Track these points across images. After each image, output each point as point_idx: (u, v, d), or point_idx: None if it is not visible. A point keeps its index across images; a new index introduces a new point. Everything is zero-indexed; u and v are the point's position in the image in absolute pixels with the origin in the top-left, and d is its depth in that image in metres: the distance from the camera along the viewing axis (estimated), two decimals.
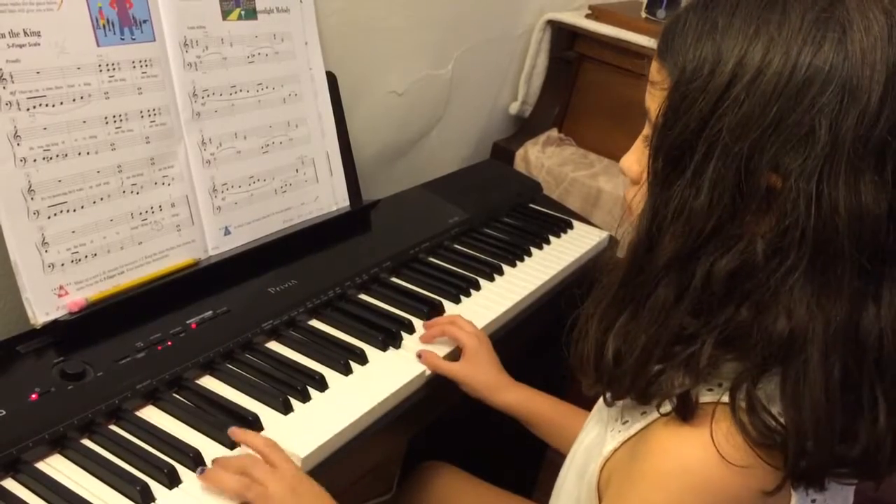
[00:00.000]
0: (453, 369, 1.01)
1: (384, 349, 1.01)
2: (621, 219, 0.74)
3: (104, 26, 0.94)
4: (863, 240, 0.59)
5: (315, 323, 1.05)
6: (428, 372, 0.99)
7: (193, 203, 1.05)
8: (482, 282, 1.21)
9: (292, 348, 0.99)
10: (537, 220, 1.45)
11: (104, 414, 0.82)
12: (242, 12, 1.11)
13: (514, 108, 1.87)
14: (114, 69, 0.95)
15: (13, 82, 0.85)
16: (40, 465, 0.76)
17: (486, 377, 1.01)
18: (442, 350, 1.03)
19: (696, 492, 0.62)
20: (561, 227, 1.43)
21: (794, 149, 0.58)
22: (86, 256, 0.92)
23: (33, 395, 0.80)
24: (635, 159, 0.73)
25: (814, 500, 0.66)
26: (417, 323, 1.07)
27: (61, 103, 0.89)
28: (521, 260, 1.30)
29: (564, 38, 1.79)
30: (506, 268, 1.26)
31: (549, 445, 1.03)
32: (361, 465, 0.92)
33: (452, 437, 1.36)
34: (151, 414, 0.85)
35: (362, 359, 0.98)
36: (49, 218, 0.88)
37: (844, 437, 0.62)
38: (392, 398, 0.94)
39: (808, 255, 0.59)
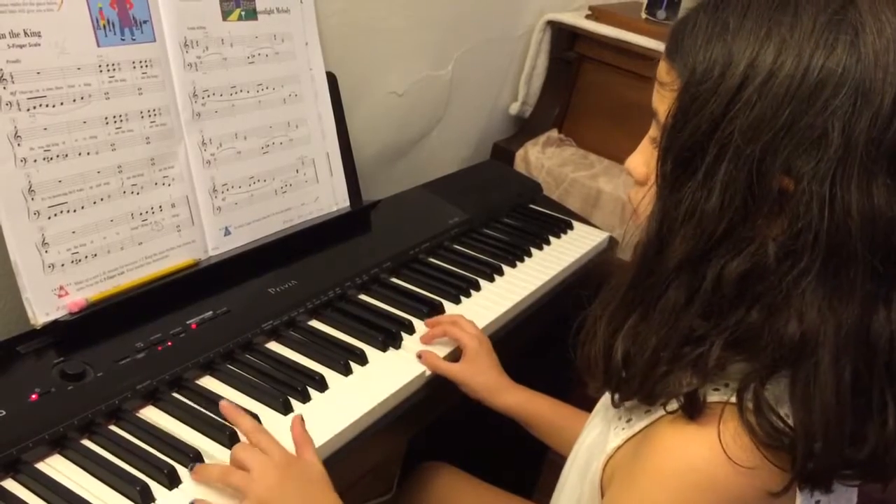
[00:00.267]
0: (453, 370, 1.01)
1: (384, 350, 1.01)
2: (627, 222, 0.74)
3: (104, 27, 0.94)
4: (875, 242, 0.59)
5: (315, 323, 1.05)
6: (428, 372, 0.99)
7: (193, 203, 1.05)
8: (482, 282, 1.21)
9: (292, 349, 0.99)
10: (537, 220, 1.45)
11: (104, 414, 0.82)
12: (243, 13, 1.11)
13: (514, 108, 1.87)
14: (114, 69, 0.95)
15: (13, 82, 0.85)
16: (40, 466, 0.76)
17: (485, 379, 1.01)
18: (442, 351, 1.03)
19: (702, 491, 0.62)
20: (561, 227, 1.43)
21: (807, 151, 0.58)
22: (86, 257, 0.92)
23: (33, 396, 0.80)
24: (642, 160, 0.73)
25: (818, 501, 0.66)
26: (417, 323, 1.07)
27: (61, 104, 0.89)
28: (521, 260, 1.30)
29: (564, 39, 1.79)
30: (506, 268, 1.26)
31: (548, 447, 1.03)
32: (361, 466, 0.92)
33: (452, 438, 1.36)
34: (151, 414, 0.85)
35: (362, 359, 0.98)
36: (49, 218, 0.88)
37: (853, 440, 0.61)
38: (392, 399, 0.94)
39: (821, 258, 0.59)
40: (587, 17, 1.76)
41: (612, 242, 1.46)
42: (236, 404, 0.84)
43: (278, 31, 1.16)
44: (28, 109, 0.86)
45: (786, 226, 0.60)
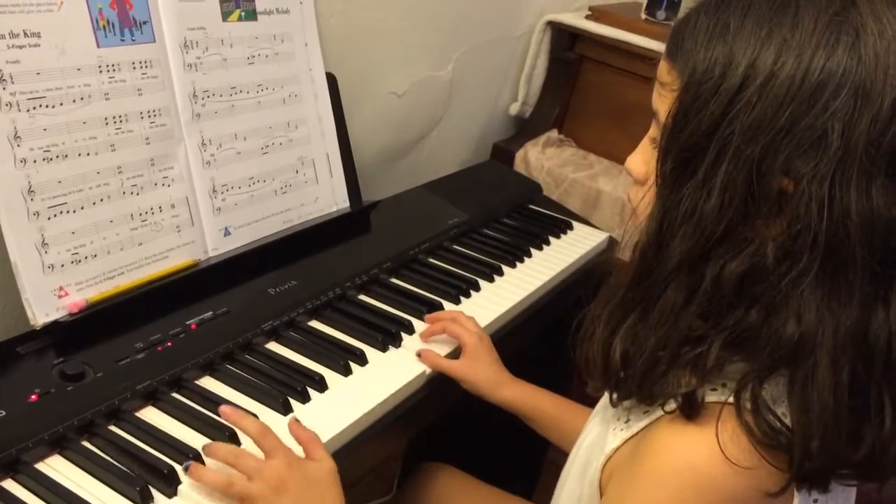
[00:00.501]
0: (454, 367, 1.01)
1: (384, 350, 1.01)
2: (627, 222, 0.74)
3: (104, 27, 0.94)
4: (874, 244, 0.59)
5: (315, 324, 1.05)
6: (427, 372, 0.99)
7: (193, 204, 1.05)
8: (482, 283, 1.21)
9: (292, 349, 0.99)
10: (537, 221, 1.45)
11: (104, 415, 0.82)
12: (242, 13, 1.11)
13: (514, 109, 1.87)
14: (114, 70, 0.95)
15: (13, 83, 0.85)
16: (40, 466, 0.76)
17: (486, 374, 1.01)
18: (443, 349, 1.03)
19: (700, 491, 0.62)
20: (561, 228, 1.43)
21: (807, 153, 0.58)
22: (86, 257, 0.92)
23: (33, 396, 0.80)
24: (642, 160, 0.73)
25: (816, 501, 0.66)
26: (417, 324, 1.07)
27: (61, 104, 0.89)
28: (521, 261, 1.30)
29: (564, 39, 1.79)
30: (505, 269, 1.26)
31: (549, 446, 1.03)
32: (361, 466, 0.92)
33: (452, 438, 1.36)
34: (151, 415, 0.85)
35: (362, 359, 0.98)
36: (49, 219, 0.88)
37: (850, 440, 0.61)
38: (392, 399, 0.94)
39: (820, 259, 0.59)
40: (587, 17, 1.75)
41: (611, 243, 1.46)
42: (236, 406, 0.84)
43: (278, 31, 1.16)
44: (28, 110, 0.86)
45: (785, 226, 0.60)
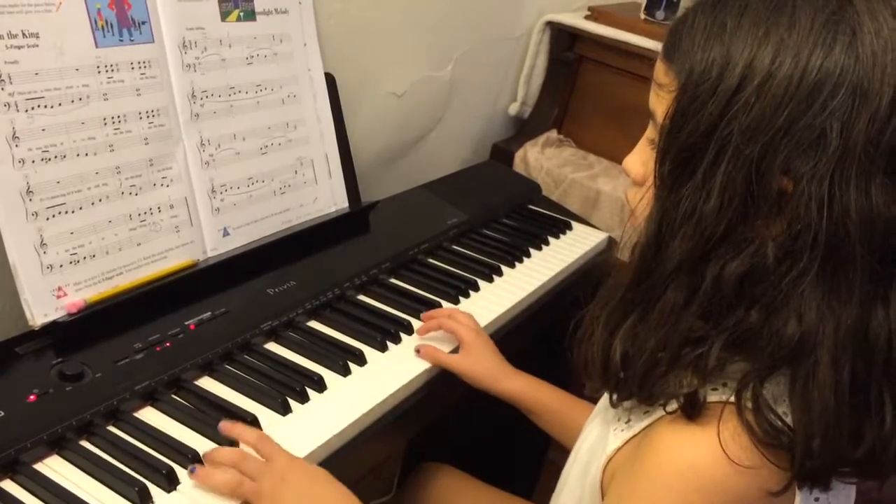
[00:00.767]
0: (453, 361, 1.01)
1: (383, 350, 1.01)
2: (626, 223, 0.74)
3: (103, 27, 0.94)
4: (874, 242, 0.59)
5: (314, 324, 1.05)
6: (427, 371, 0.99)
7: (192, 204, 1.05)
8: (481, 283, 1.21)
9: (291, 349, 0.99)
10: (536, 221, 1.45)
11: (102, 415, 0.82)
12: (241, 14, 1.11)
13: (513, 109, 1.87)
14: (112, 70, 0.95)
15: (11, 83, 0.85)
16: (38, 467, 0.76)
17: (486, 367, 1.01)
18: (442, 347, 1.03)
19: (703, 491, 0.62)
20: (560, 228, 1.43)
21: (806, 152, 0.58)
22: (84, 258, 0.92)
23: (32, 396, 0.80)
24: (640, 161, 0.72)
25: (817, 499, 0.66)
26: (416, 324, 1.07)
27: (60, 104, 0.89)
28: (521, 261, 1.30)
29: (564, 40, 1.79)
30: (505, 269, 1.26)
31: (549, 447, 1.03)
32: (361, 466, 0.92)
33: (452, 438, 1.36)
34: (150, 415, 0.85)
35: (361, 360, 0.98)
36: (47, 219, 0.88)
37: (850, 438, 0.62)
38: (391, 399, 0.94)
39: (820, 258, 0.59)
40: (586, 17, 1.75)
41: (611, 243, 1.46)
42: (233, 422, 0.83)
43: (277, 31, 1.16)
44: (26, 110, 0.86)
45: (785, 226, 0.60)
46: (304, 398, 0.90)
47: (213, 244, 1.07)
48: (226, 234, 1.09)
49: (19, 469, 0.75)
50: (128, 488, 0.74)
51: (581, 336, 0.74)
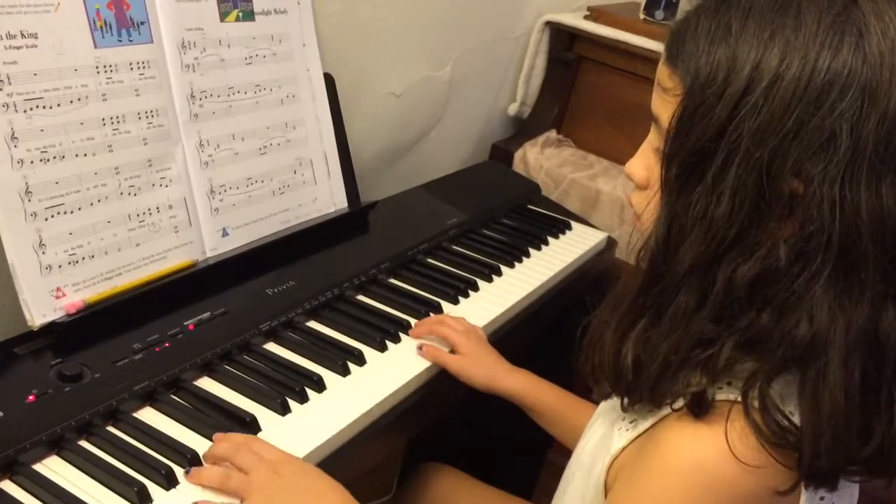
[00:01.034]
0: (451, 361, 1.01)
1: (382, 350, 1.01)
2: (632, 230, 0.73)
3: (102, 28, 0.94)
4: (886, 242, 0.59)
5: (313, 324, 1.05)
6: (426, 370, 0.99)
7: (191, 204, 1.05)
8: (480, 283, 1.21)
9: (290, 349, 0.99)
10: (536, 221, 1.45)
11: (102, 415, 0.82)
12: (240, 14, 1.11)
13: (512, 109, 1.87)
14: (111, 71, 0.95)
15: (10, 84, 0.85)
16: (37, 467, 0.76)
17: (484, 366, 1.02)
18: (442, 347, 1.03)
19: (709, 489, 0.62)
20: (560, 228, 1.43)
21: (816, 154, 0.58)
22: (83, 258, 0.92)
23: (31, 397, 0.80)
24: (642, 164, 0.72)
25: (822, 498, 0.66)
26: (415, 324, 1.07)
27: (58, 105, 0.89)
28: (520, 261, 1.30)
29: (563, 40, 1.79)
30: (504, 269, 1.26)
31: (549, 447, 1.03)
32: (360, 466, 0.92)
33: (452, 438, 1.35)
34: (149, 415, 0.85)
35: (360, 360, 0.98)
36: (46, 220, 0.88)
37: (859, 437, 0.62)
38: (390, 399, 0.94)
39: (833, 259, 0.59)
40: (585, 17, 1.75)
41: (610, 243, 1.46)
42: (221, 434, 0.83)
43: (276, 32, 1.16)
44: (25, 111, 0.86)
45: (796, 228, 0.60)
46: (303, 398, 0.90)
47: (212, 244, 1.07)
48: (225, 234, 1.09)
49: (18, 469, 0.75)
50: (127, 488, 0.74)
51: (589, 341, 0.74)
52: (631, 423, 0.72)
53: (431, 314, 1.10)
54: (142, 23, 0.98)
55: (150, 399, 0.86)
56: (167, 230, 1.02)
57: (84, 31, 0.92)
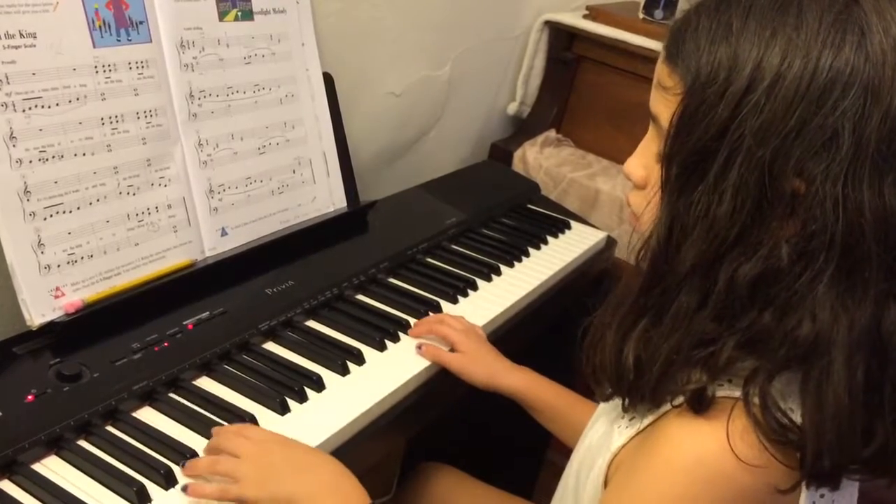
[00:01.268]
0: (451, 360, 1.01)
1: (381, 350, 1.01)
2: (632, 230, 0.73)
3: (100, 27, 0.94)
4: (889, 241, 0.59)
5: (312, 324, 1.05)
6: (426, 369, 0.99)
7: (190, 204, 1.05)
8: (480, 282, 1.21)
9: (289, 349, 0.99)
10: (535, 220, 1.45)
11: (101, 415, 0.82)
12: (239, 13, 1.11)
13: (512, 108, 1.87)
14: (110, 70, 0.94)
15: (9, 83, 0.85)
16: (36, 467, 0.76)
17: (482, 364, 1.01)
18: (442, 346, 1.03)
19: (709, 484, 0.62)
20: (559, 227, 1.43)
21: (818, 153, 0.58)
22: (82, 258, 0.92)
23: (30, 397, 0.80)
24: (641, 164, 0.72)
25: (822, 496, 0.66)
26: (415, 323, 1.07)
27: (57, 104, 0.89)
28: (519, 260, 1.30)
29: (562, 39, 1.79)
30: (503, 268, 1.26)
31: (549, 447, 1.03)
32: (359, 466, 0.91)
33: (452, 438, 1.35)
34: (148, 415, 0.85)
35: (359, 359, 0.98)
36: (45, 219, 0.88)
37: (862, 437, 0.61)
38: (389, 398, 0.94)
39: (836, 258, 0.59)
40: (585, 16, 1.75)
41: (609, 242, 1.46)
42: (217, 427, 0.83)
43: (275, 31, 1.16)
44: (23, 110, 0.86)
45: (799, 228, 0.60)
46: (302, 398, 0.90)
47: (211, 244, 1.07)
48: (224, 233, 1.09)
49: (17, 469, 0.75)
50: (126, 488, 0.74)
51: (590, 342, 0.73)
52: (630, 420, 0.72)
53: (431, 313, 1.10)
54: (140, 22, 0.98)
55: (150, 399, 0.86)
56: (166, 230, 1.01)
57: (83, 31, 0.92)
